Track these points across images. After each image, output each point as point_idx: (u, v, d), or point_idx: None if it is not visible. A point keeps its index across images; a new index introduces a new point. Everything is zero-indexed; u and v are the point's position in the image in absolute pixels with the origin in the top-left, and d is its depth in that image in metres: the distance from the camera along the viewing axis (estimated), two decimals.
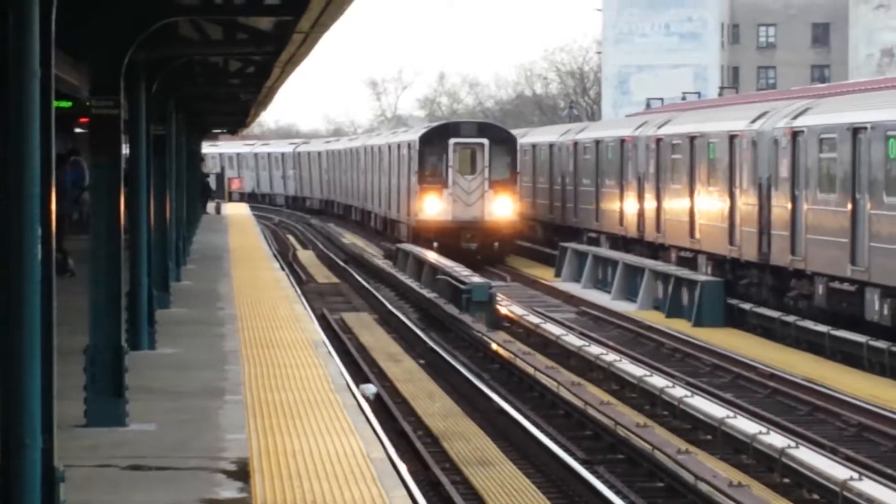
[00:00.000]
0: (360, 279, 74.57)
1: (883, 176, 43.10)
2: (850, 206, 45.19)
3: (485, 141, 61.85)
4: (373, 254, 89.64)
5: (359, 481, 21.13)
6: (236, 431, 24.26)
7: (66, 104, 29.48)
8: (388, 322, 56.69)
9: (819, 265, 48.31)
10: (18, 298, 14.09)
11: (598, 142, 69.52)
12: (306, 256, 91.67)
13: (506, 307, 57.24)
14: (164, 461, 21.86)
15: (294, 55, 38.97)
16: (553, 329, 48.95)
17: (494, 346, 47.00)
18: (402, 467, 25.02)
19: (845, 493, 26.88)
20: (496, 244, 62.73)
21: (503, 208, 62.25)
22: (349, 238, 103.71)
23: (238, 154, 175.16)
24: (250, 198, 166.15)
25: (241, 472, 21.07)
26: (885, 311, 42.73)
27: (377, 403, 35.54)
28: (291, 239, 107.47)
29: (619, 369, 40.24)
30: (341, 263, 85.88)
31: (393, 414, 35.78)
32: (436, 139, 63.11)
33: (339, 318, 55.79)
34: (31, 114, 14.07)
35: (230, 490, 20.00)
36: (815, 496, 28.43)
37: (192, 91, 51.95)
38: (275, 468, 21.79)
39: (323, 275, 78.78)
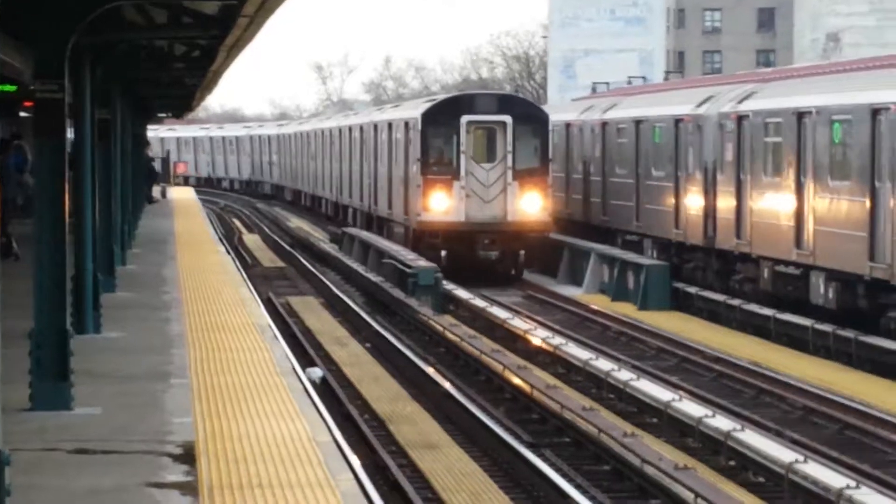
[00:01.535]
0: (305, 263, 74.28)
1: (828, 160, 43.54)
2: (795, 190, 45.63)
3: (507, 119, 52.43)
4: (319, 237, 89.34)
5: (305, 464, 21.06)
6: (182, 415, 24.17)
7: (10, 88, 29.52)
8: (335, 306, 56.46)
9: (764, 249, 48.83)
10: None
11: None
12: (252, 240, 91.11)
13: (451, 291, 55.76)
14: (109, 445, 21.72)
15: (239, 39, 38.95)
16: (499, 312, 48.78)
17: (440, 330, 46.83)
18: (349, 450, 24.94)
19: (790, 476, 26.98)
20: (522, 252, 54.34)
21: (531, 206, 53.69)
22: (295, 222, 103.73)
23: (194, 138, 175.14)
24: (206, 182, 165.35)
25: (187, 456, 20.92)
26: (831, 295, 43.16)
27: (323, 387, 35.12)
28: (237, 223, 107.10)
29: (564, 353, 40.36)
30: (287, 247, 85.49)
31: (339, 397, 35.80)
32: (443, 117, 53.62)
33: (284, 301, 55.57)
34: None
35: (176, 473, 19.83)
36: (761, 479, 28.51)
37: (137, 75, 51.39)
38: (220, 451, 21.66)
39: (269, 258, 78.55)
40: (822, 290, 43.98)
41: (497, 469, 28.77)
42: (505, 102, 54.35)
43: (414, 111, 56.81)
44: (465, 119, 50.90)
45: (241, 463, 20.97)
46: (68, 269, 25.92)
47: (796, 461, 27.24)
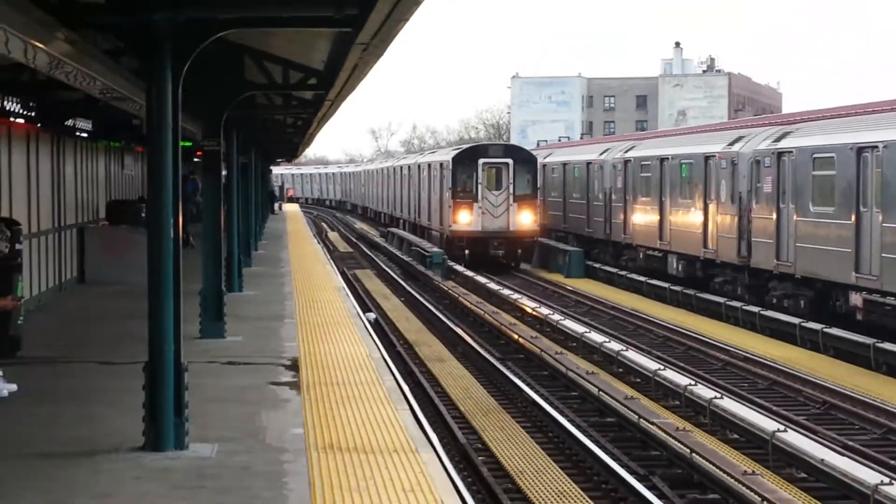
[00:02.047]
0: (365, 249, 73.39)
1: (678, 185, 45.23)
2: (657, 205, 47.04)
3: (510, 161, 52.50)
4: (373, 235, 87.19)
5: (364, 370, 21.80)
6: (291, 340, 24.59)
7: (188, 143, 31.12)
8: (382, 275, 55.74)
9: (640, 241, 49.71)
10: (160, 260, 15.12)
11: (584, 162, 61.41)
12: (333, 236, 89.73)
13: (452, 266, 55.14)
14: (247, 359, 22.24)
15: (325, 114, 39.85)
16: (480, 279, 48.45)
17: (446, 290, 46.88)
18: (390, 362, 25.42)
19: (656, 378, 26.49)
20: (519, 251, 53.73)
21: (526, 220, 52.89)
22: (360, 226, 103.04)
23: (301, 174, 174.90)
24: (306, 201, 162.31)
25: (294, 365, 21.66)
26: (680, 268, 44.71)
27: (375, 324, 34.94)
28: (325, 226, 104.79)
29: (521, 303, 40.69)
30: (353, 239, 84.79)
31: (384, 330, 35.64)
32: (467, 160, 52.89)
33: (352, 273, 54.82)
34: (167, 149, 15.86)
35: (286, 376, 20.67)
36: (635, 379, 28.00)
37: (264, 136, 51.36)
38: (313, 362, 22.19)
39: (343, 247, 77.02)
40: (675, 265, 45.35)
41: (480, 374, 29.04)
42: (508, 149, 54.40)
43: (447, 156, 56.38)
44: (481, 161, 51.00)
45: (326, 370, 21.63)
46: (223, 253, 26.96)
47: (658, 369, 26.98)
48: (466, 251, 52.35)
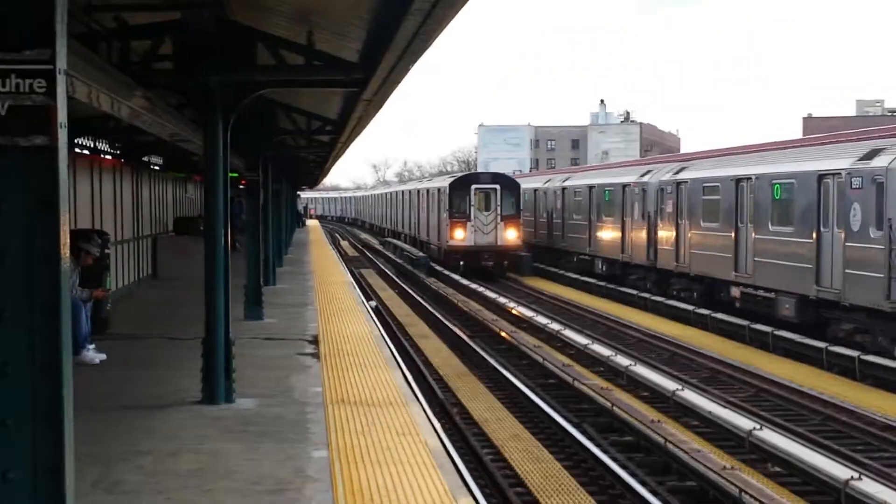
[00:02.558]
0: (368, 254, 72.97)
1: (603, 207, 44.83)
2: (587, 221, 46.81)
3: (497, 186, 49.23)
4: (374, 243, 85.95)
5: (367, 344, 21.52)
6: (313, 322, 24.48)
7: (234, 174, 30.95)
8: (381, 273, 55.09)
9: (574, 248, 49.19)
10: (214, 261, 15.13)
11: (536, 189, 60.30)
12: (344, 244, 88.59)
13: (433, 266, 54.53)
14: (280, 336, 22.14)
15: (338, 152, 39.75)
16: (454, 276, 48.33)
17: (428, 284, 46.53)
18: (387, 338, 25.15)
19: (586, 351, 26.72)
20: (505, 262, 49.74)
21: (511, 236, 49.36)
22: (365, 236, 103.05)
23: (321, 198, 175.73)
24: (334, 219, 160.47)
25: (315, 340, 21.51)
26: (604, 268, 44.57)
27: (376, 310, 34.20)
28: (338, 236, 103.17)
29: (484, 295, 40.51)
30: (360, 247, 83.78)
31: (382, 314, 35.29)
32: (461, 186, 49.41)
33: (359, 271, 53.71)
34: (218, 178, 15.90)
35: (309, 349, 20.52)
36: (570, 351, 27.88)
37: (292, 168, 49.76)
38: (329, 338, 22.10)
39: (352, 252, 76.47)
40: (600, 266, 45.43)
41: (455, 348, 28.82)
42: (496, 177, 51.60)
43: (444, 182, 53.42)
44: (473, 186, 48.70)
45: (339, 343, 21.56)
46: (261, 256, 26.45)
47: (588, 343, 27.24)
48: (461, 262, 49.76)
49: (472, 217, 47.67)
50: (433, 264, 54.58)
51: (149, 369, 17.83)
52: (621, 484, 15.25)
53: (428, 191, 61.16)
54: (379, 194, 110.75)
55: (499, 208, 48.32)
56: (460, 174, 55.05)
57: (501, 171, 61.90)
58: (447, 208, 49.79)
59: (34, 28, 4.97)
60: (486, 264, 46.97)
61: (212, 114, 15.33)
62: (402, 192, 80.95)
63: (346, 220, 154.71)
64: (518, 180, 58.03)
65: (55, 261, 5.06)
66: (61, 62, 5.02)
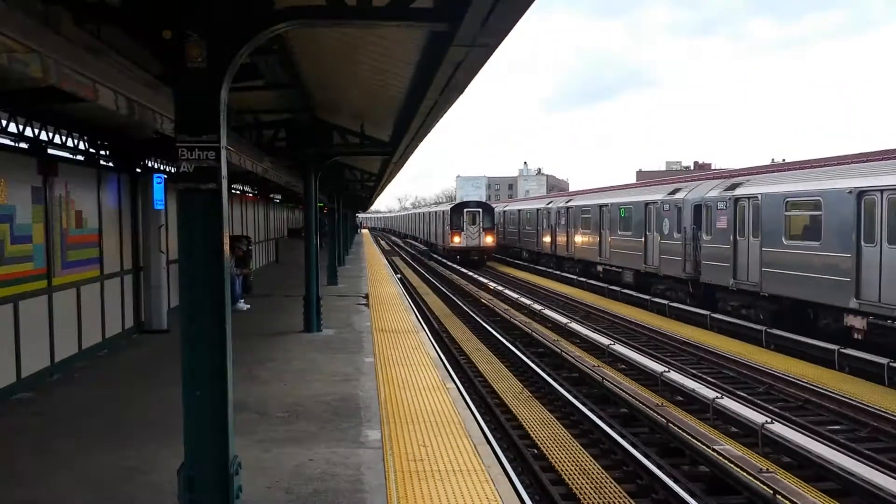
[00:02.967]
0: (398, 250, 70.30)
1: (539, 224, 39.75)
2: (541, 231, 39.48)
3: (480, 210, 45.17)
4: (400, 243, 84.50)
5: (395, 298, 21.13)
6: (365, 286, 23.77)
7: (321, 204, 30.91)
8: (407, 260, 52.65)
9: (528, 247, 42.80)
10: (309, 253, 14.61)
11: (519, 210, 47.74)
12: (384, 243, 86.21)
13: (435, 257, 51.62)
14: (346, 294, 21.55)
15: (378, 191, 40.00)
16: (447, 261, 45.30)
17: (431, 266, 44.67)
18: (406, 296, 23.32)
19: (567, 328, 23.11)
20: (486, 256, 45.02)
21: (490, 240, 44.90)
22: (397, 240, 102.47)
23: (370, 216, 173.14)
24: (379, 229, 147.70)
25: (366, 297, 20.91)
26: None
27: (400, 280, 32.79)
28: (379, 239, 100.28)
29: (461, 272, 38.29)
30: (392, 246, 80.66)
31: (404, 282, 33.02)
32: (458, 209, 45.00)
33: (391, 259, 51.28)
34: (312, 207, 15.95)
35: (363, 301, 19.88)
36: (520, 315, 25.93)
37: (351, 200, 46.97)
38: (374, 295, 21.68)
39: (389, 248, 73.84)
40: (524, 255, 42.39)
41: (445, 301, 27.03)
42: (480, 204, 46.50)
43: (447, 207, 48.43)
44: (465, 210, 44.97)
45: (379, 298, 21.20)
46: (336, 250, 25.87)
47: (543, 310, 24.28)
48: (458, 256, 46.13)
49: (465, 228, 45.15)
50: (436, 255, 52.63)
51: (274, 313, 17.63)
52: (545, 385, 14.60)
53: (435, 213, 57.91)
54: (403, 215, 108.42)
55: (481, 223, 45.02)
56: (457, 202, 50.47)
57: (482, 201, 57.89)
58: (448, 223, 46.97)
59: (209, 123, 5.00)
60: (473, 258, 44.60)
61: (307, 171, 15.26)
62: (420, 213, 77.65)
63: (384, 230, 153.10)
64: (502, 204, 54.29)
65: (219, 253, 5.08)
66: (223, 141, 5.05)
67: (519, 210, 47.73)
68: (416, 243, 69.96)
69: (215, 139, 4.94)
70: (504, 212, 53.52)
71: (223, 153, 4.99)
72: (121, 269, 13.67)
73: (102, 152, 12.84)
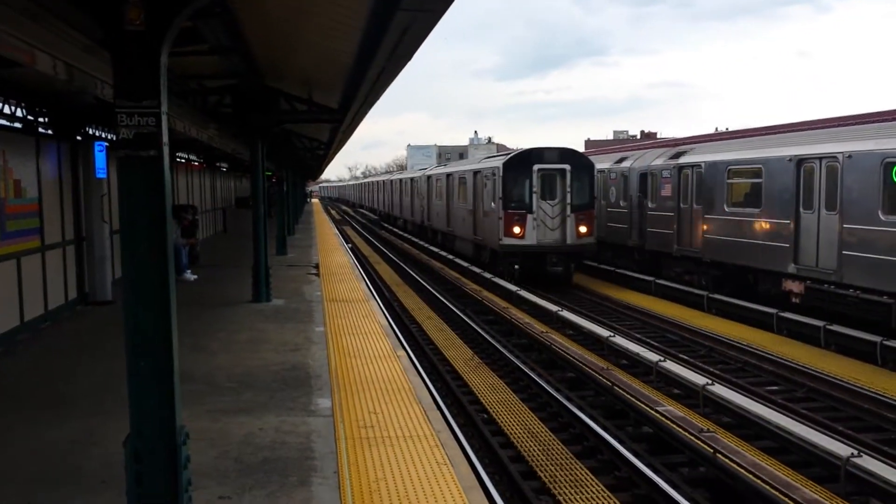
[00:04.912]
0: (347, 218, 69.06)
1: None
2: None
3: (567, 168, 20.99)
4: (351, 212, 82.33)
5: (346, 268, 20.59)
6: (315, 256, 23.56)
7: (269, 173, 30.49)
8: (354, 229, 50.70)
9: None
10: (258, 222, 14.43)
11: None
12: (333, 213, 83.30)
13: (383, 224, 50.43)
14: (297, 264, 21.31)
15: (328, 160, 39.68)
16: (395, 229, 44.19)
17: (381, 234, 43.09)
18: (358, 266, 23.50)
19: (518, 294, 20.27)
20: (573, 266, 21.89)
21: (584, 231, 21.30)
22: (344, 208, 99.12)
23: (319, 186, 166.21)
24: (324, 199, 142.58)
25: (317, 266, 20.73)
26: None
27: (352, 249, 31.65)
28: (330, 209, 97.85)
29: (410, 239, 36.20)
30: (342, 215, 78.89)
31: (357, 254, 32.02)
32: (520, 163, 21.41)
33: (341, 228, 49.22)
34: (259, 175, 15.74)
35: (314, 271, 19.65)
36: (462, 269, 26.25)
37: (300, 168, 45.32)
38: (326, 265, 21.39)
39: (338, 216, 72.23)
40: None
41: (397, 270, 26.82)
42: (565, 155, 33.93)
43: (496, 163, 31.42)
44: (537, 169, 22.71)
45: (330, 267, 20.90)
46: (285, 219, 25.54)
47: (493, 277, 22.53)
48: (516, 265, 25.38)
49: (535, 208, 22.72)
50: (386, 224, 50.95)
51: (222, 283, 17.46)
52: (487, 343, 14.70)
53: (459, 176, 42.30)
54: (355, 184, 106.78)
55: (569, 194, 21.31)
56: (518, 151, 24.82)
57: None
58: (501, 196, 26.08)
59: (149, 88, 4.89)
60: (553, 268, 21.78)
61: (254, 138, 14.99)
62: (367, 183, 75.52)
63: (336, 199, 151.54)
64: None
65: (161, 222, 4.98)
66: (164, 107, 4.94)
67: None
68: (367, 213, 68.51)
69: (155, 105, 4.82)
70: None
71: (164, 119, 4.87)
72: (63, 240, 13.36)
73: (41, 119, 12.47)
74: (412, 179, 40.54)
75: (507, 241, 21.42)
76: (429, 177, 35.44)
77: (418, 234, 38.49)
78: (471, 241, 26.33)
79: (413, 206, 40.32)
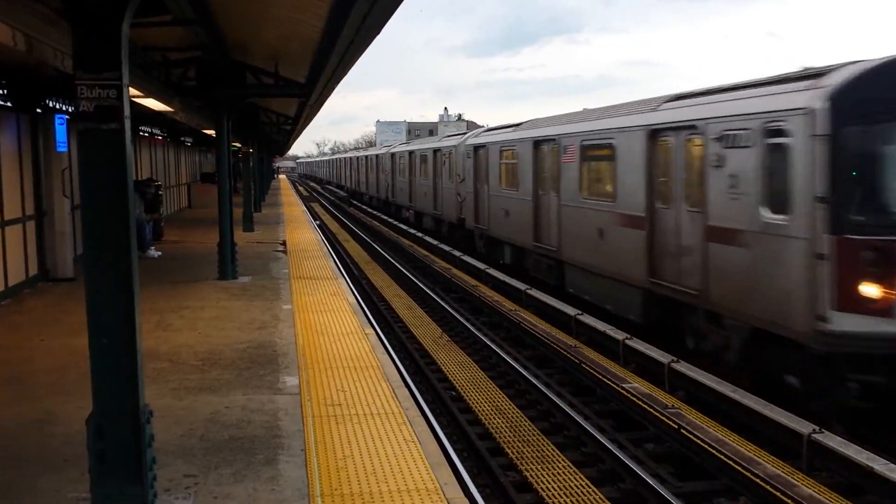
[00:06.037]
0: (315, 195, 68.84)
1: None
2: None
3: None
4: (318, 188, 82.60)
5: (314, 245, 20.36)
6: (283, 233, 23.40)
7: (235, 147, 30.25)
8: (322, 205, 49.98)
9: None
10: (223, 198, 14.35)
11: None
12: (301, 189, 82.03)
13: (352, 200, 50.47)
14: (264, 241, 21.22)
15: (295, 135, 39.55)
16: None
17: (350, 211, 42.51)
18: (326, 243, 23.03)
19: (462, 260, 23.28)
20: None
21: None
22: (314, 186, 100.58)
23: (286, 163, 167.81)
24: (291, 174, 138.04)
25: (284, 243, 20.54)
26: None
27: (320, 226, 31.30)
28: (297, 184, 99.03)
29: (378, 216, 36.10)
30: (310, 192, 78.80)
31: (325, 231, 31.47)
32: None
33: (309, 205, 48.97)
34: (225, 150, 15.62)
35: (281, 248, 19.57)
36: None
37: (267, 143, 44.85)
38: (294, 243, 21.18)
39: (306, 192, 71.75)
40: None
41: (366, 249, 26.68)
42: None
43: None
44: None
45: (298, 245, 20.73)
46: (251, 194, 25.25)
47: (462, 256, 26.08)
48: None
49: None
50: (353, 200, 51.19)
51: (187, 260, 17.34)
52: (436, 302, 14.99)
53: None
54: (322, 160, 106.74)
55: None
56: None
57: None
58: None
59: (110, 60, 4.82)
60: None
61: (219, 113, 14.89)
62: (330, 160, 76.38)
63: (305, 176, 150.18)
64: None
65: (123, 197, 4.92)
66: (125, 79, 4.87)
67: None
68: (332, 188, 67.73)
69: (117, 77, 4.74)
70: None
71: (125, 91, 4.81)
72: (23, 215, 13.20)
73: (0, 91, 12.29)
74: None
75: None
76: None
77: (383, 209, 38.94)
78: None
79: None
